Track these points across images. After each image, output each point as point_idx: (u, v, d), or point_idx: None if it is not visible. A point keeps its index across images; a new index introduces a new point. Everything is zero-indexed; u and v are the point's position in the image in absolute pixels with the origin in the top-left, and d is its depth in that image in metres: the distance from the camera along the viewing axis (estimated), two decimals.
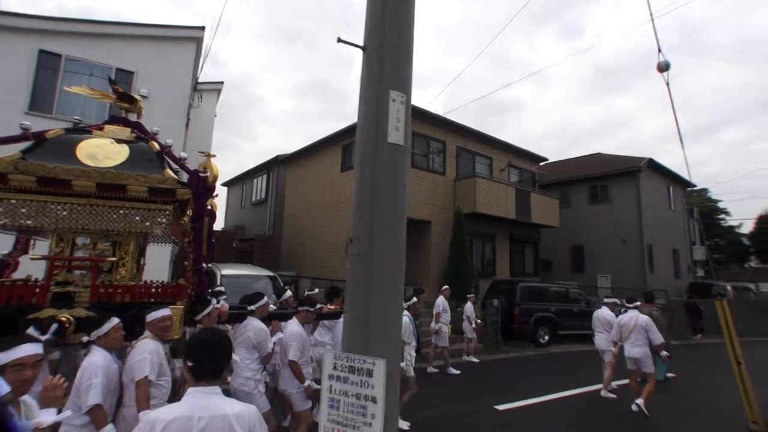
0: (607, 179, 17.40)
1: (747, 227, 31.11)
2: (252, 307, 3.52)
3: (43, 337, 2.22)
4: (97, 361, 2.35)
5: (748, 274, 26.26)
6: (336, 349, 3.83)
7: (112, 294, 2.80)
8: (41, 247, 3.23)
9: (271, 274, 8.45)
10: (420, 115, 11.56)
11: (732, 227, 30.80)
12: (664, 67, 3.42)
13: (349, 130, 12.11)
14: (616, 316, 6.06)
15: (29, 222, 2.61)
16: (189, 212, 2.94)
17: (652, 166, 17.50)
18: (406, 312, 5.08)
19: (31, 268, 3.07)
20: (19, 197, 2.58)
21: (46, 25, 8.01)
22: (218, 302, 3.11)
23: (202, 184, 2.82)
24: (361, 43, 2.04)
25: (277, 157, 16.70)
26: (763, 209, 30.04)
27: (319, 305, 4.04)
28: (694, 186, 21.70)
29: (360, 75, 2.03)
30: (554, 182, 18.05)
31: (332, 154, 13.34)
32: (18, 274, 3.19)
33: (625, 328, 5.61)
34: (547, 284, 12.01)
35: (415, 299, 5.58)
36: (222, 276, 7.41)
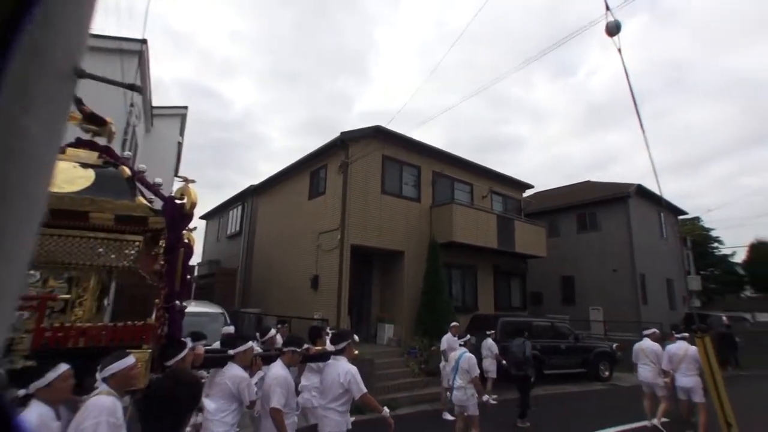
0: (595, 206, 18.50)
1: (740, 256, 33.32)
2: (233, 352, 3.45)
3: None
4: (28, 422, 2.15)
5: (745, 303, 28.00)
6: (324, 395, 3.83)
7: (61, 338, 2.68)
8: None
9: (220, 310, 8.49)
10: (391, 137, 11.94)
11: (725, 256, 32.78)
12: (613, 29, 3.01)
13: (318, 154, 12.40)
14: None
15: None
16: (162, 243, 2.99)
17: (642, 192, 18.56)
18: (464, 348, 5.61)
19: None
20: None
21: None
22: (193, 345, 3.10)
23: (177, 212, 2.89)
24: None
25: (251, 186, 16.79)
26: (755, 237, 32.27)
27: (306, 345, 4.04)
28: (685, 213, 23.01)
29: None
30: (542, 211, 18.97)
31: (300, 181, 13.56)
32: None
33: (675, 358, 6.18)
34: (532, 318, 12.32)
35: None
36: None
